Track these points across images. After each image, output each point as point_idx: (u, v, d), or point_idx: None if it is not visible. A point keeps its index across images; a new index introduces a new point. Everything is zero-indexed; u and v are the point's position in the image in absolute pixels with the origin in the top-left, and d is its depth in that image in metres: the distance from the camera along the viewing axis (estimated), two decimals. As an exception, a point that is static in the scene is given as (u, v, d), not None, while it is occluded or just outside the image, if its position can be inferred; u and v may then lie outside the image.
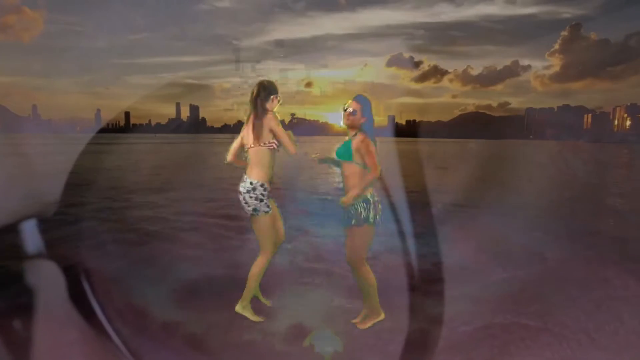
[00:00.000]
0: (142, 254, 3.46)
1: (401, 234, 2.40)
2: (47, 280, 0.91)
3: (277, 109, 2.27)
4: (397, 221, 2.19)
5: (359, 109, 2.13)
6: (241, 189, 2.21)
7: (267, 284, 2.63)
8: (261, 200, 2.19)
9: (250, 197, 2.18)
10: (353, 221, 2.11)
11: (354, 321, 2.24)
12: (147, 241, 3.84)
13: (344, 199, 2.10)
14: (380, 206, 2.14)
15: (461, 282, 2.74)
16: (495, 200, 6.80)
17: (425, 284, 2.66)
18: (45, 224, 0.93)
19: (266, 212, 2.21)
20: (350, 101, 2.16)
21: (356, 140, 2.11)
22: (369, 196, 2.11)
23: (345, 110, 2.16)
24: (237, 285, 2.59)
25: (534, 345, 2.00)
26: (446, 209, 5.57)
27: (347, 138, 2.20)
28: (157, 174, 10.26)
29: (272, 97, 2.24)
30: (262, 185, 2.19)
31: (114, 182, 8.13)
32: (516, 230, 4.53)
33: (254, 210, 2.20)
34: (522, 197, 7.37)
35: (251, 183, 2.19)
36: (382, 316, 2.22)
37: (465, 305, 2.40)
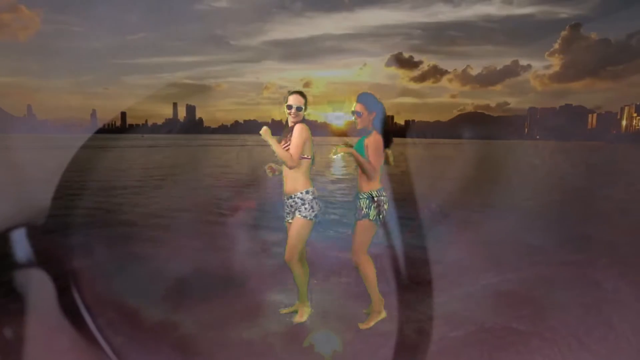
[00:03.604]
0: (136, 256, 3.47)
1: (393, 236, 2.42)
2: (37, 287, 0.94)
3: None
4: (390, 223, 2.23)
5: (363, 108, 2.15)
6: None
7: (269, 284, 2.70)
8: None
9: None
10: (356, 215, 2.18)
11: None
12: (140, 242, 3.87)
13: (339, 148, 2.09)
14: (386, 206, 2.15)
15: (452, 286, 2.75)
16: (489, 203, 6.78)
17: (415, 287, 2.67)
18: (36, 231, 0.96)
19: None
20: (355, 103, 2.17)
21: (368, 138, 2.15)
22: (373, 193, 2.13)
23: (353, 114, 2.17)
24: (235, 284, 2.61)
25: (525, 350, 1.99)
26: (438, 211, 5.55)
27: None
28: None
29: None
30: None
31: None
32: (507, 233, 4.51)
33: None
34: (513, 200, 7.30)
35: None
36: (383, 315, 2.22)
37: (456, 309, 2.40)
